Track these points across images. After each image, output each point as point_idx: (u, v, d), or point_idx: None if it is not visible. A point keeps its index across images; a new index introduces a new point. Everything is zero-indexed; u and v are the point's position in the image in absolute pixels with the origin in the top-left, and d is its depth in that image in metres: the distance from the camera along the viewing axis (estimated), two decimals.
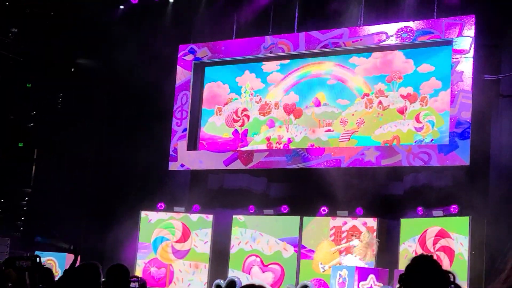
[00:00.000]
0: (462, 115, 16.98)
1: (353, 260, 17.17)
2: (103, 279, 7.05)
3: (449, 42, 17.52)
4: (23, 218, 22.33)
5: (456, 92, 17.16)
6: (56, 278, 8.07)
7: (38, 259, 5.34)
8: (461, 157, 16.86)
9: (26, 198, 22.48)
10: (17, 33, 21.10)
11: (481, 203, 16.16)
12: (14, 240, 20.87)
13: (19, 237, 21.75)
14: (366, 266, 16.94)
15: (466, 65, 17.10)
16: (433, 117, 17.76)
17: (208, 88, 21.07)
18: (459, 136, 16.96)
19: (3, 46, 20.25)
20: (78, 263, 8.20)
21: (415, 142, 17.85)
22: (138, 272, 19.57)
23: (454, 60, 17.33)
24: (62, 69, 21.74)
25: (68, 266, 8.21)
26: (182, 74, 21.03)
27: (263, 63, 20.32)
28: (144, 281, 8.25)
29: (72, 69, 22.19)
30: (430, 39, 17.87)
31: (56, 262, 18.32)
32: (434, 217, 16.96)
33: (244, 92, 20.48)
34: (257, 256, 19.23)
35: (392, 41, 18.27)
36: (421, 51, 18.18)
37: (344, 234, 18.18)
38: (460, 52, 17.27)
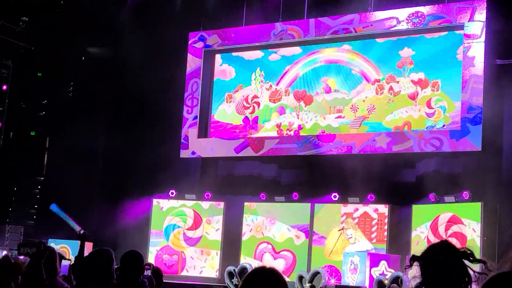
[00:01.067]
0: (474, 100, 16.89)
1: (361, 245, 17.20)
2: (116, 266, 7.09)
3: (461, 27, 17.41)
4: (36, 206, 22.47)
5: (468, 77, 17.07)
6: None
7: (42, 246, 5.35)
8: (473, 143, 16.78)
9: (39, 187, 22.62)
10: (28, 22, 21.16)
11: (493, 189, 16.10)
12: (28, 228, 21.02)
13: (32, 225, 21.90)
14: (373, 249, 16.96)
15: (477, 50, 16.99)
16: (444, 103, 17.68)
17: (216, 73, 21.09)
18: (471, 122, 16.88)
19: (15, 35, 20.31)
20: (86, 250, 8.23)
21: (426, 128, 17.78)
22: (151, 259, 19.66)
23: (466, 44, 17.22)
24: (72, 58, 21.79)
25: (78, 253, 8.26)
26: (193, 62, 21.03)
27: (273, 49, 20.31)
28: (158, 269, 8.23)
29: (83, 58, 22.24)
30: (441, 24, 17.76)
31: (69, 249, 18.44)
32: (446, 203, 16.91)
33: (255, 79, 20.46)
34: (268, 243, 19.27)
35: (403, 26, 18.17)
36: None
37: (355, 221, 18.18)
38: (472, 36, 17.16)
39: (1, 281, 4.57)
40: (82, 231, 7.15)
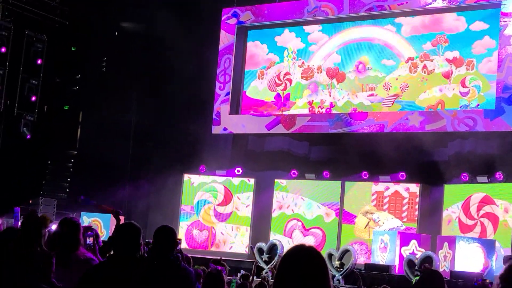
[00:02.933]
0: (510, 79, 16.63)
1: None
2: (147, 240, 7.16)
3: (498, 5, 17.10)
4: (69, 180, 22.74)
5: (504, 56, 16.79)
6: (102, 239, 8.20)
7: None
8: (508, 123, 16.55)
9: (72, 160, 22.87)
10: None
11: None
12: (60, 201, 21.30)
13: (65, 198, 22.18)
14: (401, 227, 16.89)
15: None
16: (479, 82, 17.43)
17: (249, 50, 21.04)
18: (506, 101, 16.64)
19: (49, 10, 20.43)
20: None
21: (460, 107, 17.58)
22: (181, 235, 19.82)
23: (502, 23, 16.93)
24: (106, 33, 21.88)
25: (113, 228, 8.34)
26: (225, 38, 21.01)
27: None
28: (188, 258, 8.12)
29: (116, 33, 22.32)
30: (477, 1, 17.47)
31: (101, 223, 18.66)
32: (479, 183, 16.77)
33: (287, 56, 20.36)
34: (298, 220, 19.31)
35: (439, 3, 17.90)
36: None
37: (386, 200, 18.12)
38: (509, 15, 16.84)
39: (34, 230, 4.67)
40: (115, 210, 7.22)
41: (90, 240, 6.39)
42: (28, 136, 19.65)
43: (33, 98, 19.65)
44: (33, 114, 19.69)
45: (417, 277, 13.41)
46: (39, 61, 19.70)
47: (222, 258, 11.00)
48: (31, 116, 19.66)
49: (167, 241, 5.53)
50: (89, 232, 6.34)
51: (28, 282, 4.32)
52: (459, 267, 14.81)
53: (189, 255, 8.24)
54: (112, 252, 5.39)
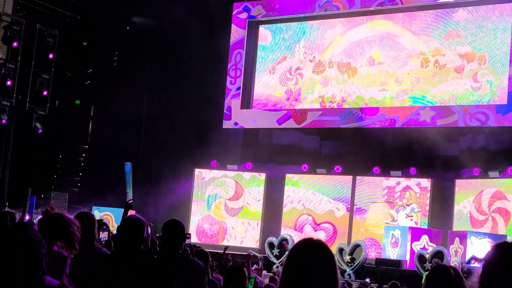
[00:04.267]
0: None
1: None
2: (157, 235, 7.16)
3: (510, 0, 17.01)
4: (80, 174, 22.81)
5: None
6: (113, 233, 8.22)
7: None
8: None
9: (83, 154, 22.94)
10: None
11: None
12: (72, 195, 21.37)
13: (77, 192, 22.26)
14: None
15: None
16: (491, 77, 17.34)
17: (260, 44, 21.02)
18: None
19: (61, 4, 20.46)
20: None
21: (472, 102, 17.50)
22: (192, 229, 19.85)
23: None
24: (117, 27, 21.90)
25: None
26: (236, 32, 20.99)
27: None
28: (204, 252, 8.08)
29: (127, 27, 22.34)
30: None
31: (112, 217, 18.72)
32: (490, 178, 16.70)
33: (298, 51, 20.33)
34: (309, 214, 19.30)
35: None
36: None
37: (397, 195, 18.08)
38: None
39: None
40: (130, 201, 7.22)
41: (104, 235, 6.41)
42: (40, 131, 19.70)
43: (45, 93, 19.67)
44: (44, 108, 19.72)
45: (427, 272, 13.39)
46: (50, 56, 19.72)
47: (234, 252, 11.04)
48: (42, 111, 19.69)
49: (175, 235, 5.55)
50: (103, 226, 6.36)
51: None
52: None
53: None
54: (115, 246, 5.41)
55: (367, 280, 14.25)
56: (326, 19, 19.94)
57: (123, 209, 7.60)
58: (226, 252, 10.37)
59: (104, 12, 21.38)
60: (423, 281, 4.02)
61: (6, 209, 17.09)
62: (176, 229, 5.62)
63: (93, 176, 21.50)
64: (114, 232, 7.59)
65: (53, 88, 20.04)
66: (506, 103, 16.74)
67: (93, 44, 22.24)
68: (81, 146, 23.05)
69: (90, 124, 22.77)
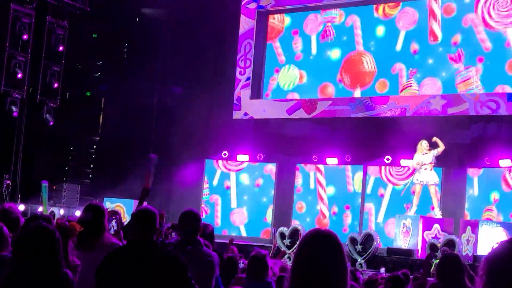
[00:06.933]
0: None
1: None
2: (172, 223, 7.18)
3: None
4: (92, 166, 22.93)
5: None
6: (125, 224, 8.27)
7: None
8: None
9: (95, 146, 23.05)
10: None
11: None
12: (84, 187, 21.49)
13: (88, 184, 22.37)
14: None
15: None
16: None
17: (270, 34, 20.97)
18: None
19: None
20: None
21: (483, 89, 17.40)
22: (202, 218, 19.87)
23: None
24: (127, 19, 21.94)
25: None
26: (245, 23, 20.93)
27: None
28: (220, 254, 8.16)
29: (137, 19, 22.37)
30: None
31: (124, 208, 18.78)
32: (501, 167, 16.63)
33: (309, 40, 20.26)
34: (320, 204, 19.27)
35: None
36: None
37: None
38: None
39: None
40: (148, 189, 7.29)
41: (114, 225, 6.45)
42: (51, 123, 19.80)
43: (55, 85, 19.77)
44: (55, 100, 19.83)
45: (437, 261, 13.35)
46: (60, 48, 19.79)
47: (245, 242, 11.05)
48: (53, 103, 19.79)
49: (191, 225, 5.57)
50: (114, 217, 6.39)
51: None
52: (482, 251, 14.72)
53: None
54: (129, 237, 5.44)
55: (382, 270, 14.17)
56: (337, 8, 19.83)
57: (139, 197, 7.65)
58: (231, 243, 10.40)
59: (113, 3, 21.41)
60: (431, 270, 4.04)
61: (19, 202, 17.18)
62: (193, 218, 5.65)
63: (105, 167, 21.60)
64: (125, 223, 7.65)
65: (64, 80, 20.13)
66: None
67: (103, 36, 22.28)
68: (92, 138, 23.16)
69: (101, 116, 22.87)
